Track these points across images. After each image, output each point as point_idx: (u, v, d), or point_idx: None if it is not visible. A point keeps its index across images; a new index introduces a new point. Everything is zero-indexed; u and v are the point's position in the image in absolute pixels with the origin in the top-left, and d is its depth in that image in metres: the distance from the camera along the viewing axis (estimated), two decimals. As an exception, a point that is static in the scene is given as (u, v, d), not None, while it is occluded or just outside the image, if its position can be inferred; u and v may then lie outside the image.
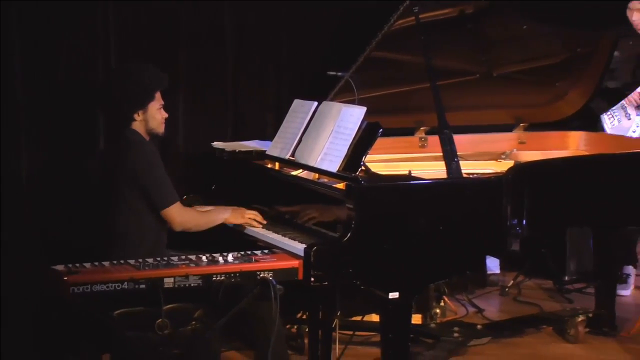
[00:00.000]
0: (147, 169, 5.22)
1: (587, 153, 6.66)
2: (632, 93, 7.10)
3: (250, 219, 5.40)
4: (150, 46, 6.86)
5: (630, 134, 7.08)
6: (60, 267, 4.64)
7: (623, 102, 7.14)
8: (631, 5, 7.04)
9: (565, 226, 6.69)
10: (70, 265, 4.67)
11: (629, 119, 7.14)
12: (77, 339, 5.29)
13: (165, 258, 4.84)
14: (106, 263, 4.77)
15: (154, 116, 5.35)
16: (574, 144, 6.79)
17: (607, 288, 6.55)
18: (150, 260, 4.79)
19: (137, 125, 5.32)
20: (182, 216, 5.29)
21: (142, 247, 5.09)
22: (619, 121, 7.15)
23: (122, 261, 4.79)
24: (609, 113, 7.15)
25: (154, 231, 5.29)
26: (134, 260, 4.78)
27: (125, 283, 4.60)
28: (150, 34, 6.94)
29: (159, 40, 6.95)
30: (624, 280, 7.17)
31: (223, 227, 5.45)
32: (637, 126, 7.12)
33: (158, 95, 5.36)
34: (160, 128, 5.39)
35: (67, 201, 6.24)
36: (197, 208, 5.61)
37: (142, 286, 4.63)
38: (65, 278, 4.54)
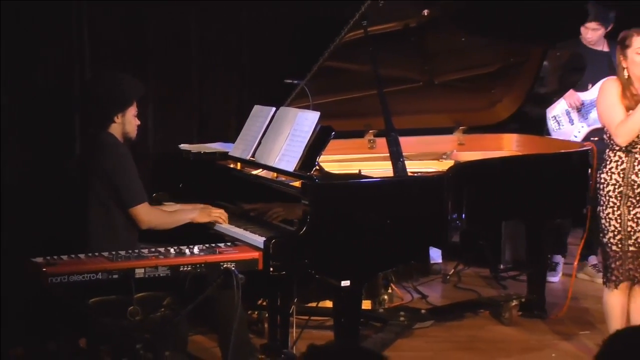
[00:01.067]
0: (119, 169, 5.19)
1: (519, 153, 6.69)
2: (574, 99, 7.15)
3: (216, 217, 5.40)
4: (121, 56, 6.86)
5: (572, 138, 7.13)
6: (39, 260, 4.63)
7: (567, 107, 7.19)
8: (588, 25, 7.11)
9: (500, 220, 6.75)
10: (48, 258, 4.65)
11: (572, 124, 7.19)
12: (56, 325, 5.26)
13: (137, 251, 4.83)
14: (82, 255, 4.75)
15: (131, 121, 5.34)
16: (507, 145, 6.83)
17: (538, 275, 6.58)
18: (122, 252, 4.77)
19: (114, 128, 5.29)
20: (148, 215, 5.26)
21: (115, 241, 5.06)
22: (561, 126, 7.19)
23: (96, 254, 4.78)
24: (554, 119, 7.19)
25: (126, 226, 5.26)
26: (107, 253, 4.76)
27: (100, 273, 4.59)
28: (121, 45, 6.93)
29: (129, 51, 6.95)
30: (553, 268, 7.21)
31: (189, 222, 5.44)
32: (579, 131, 7.17)
33: (135, 102, 5.37)
34: (133, 133, 5.37)
35: (45, 199, 6.20)
36: (165, 205, 5.59)
37: (115, 276, 4.62)
38: (44, 269, 4.53)
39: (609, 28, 7.23)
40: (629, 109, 5.14)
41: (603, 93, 5.33)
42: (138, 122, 5.39)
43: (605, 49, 7.20)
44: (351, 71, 6.01)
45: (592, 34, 7.19)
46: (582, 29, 7.19)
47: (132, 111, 5.33)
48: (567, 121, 7.20)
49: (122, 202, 5.20)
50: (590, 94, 7.13)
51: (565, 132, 7.17)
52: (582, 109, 7.18)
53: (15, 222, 6.05)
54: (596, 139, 6.81)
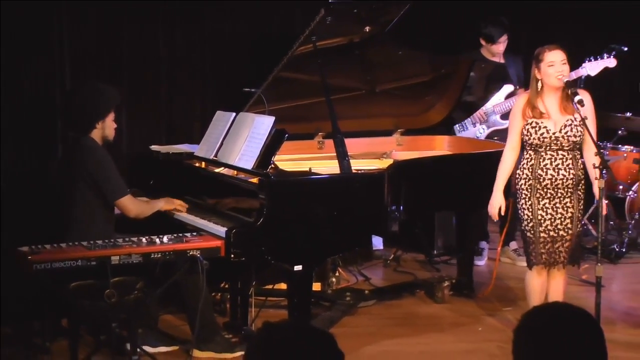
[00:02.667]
0: (101, 169, 5.18)
1: (449, 153, 6.72)
2: (478, 112, 7.19)
3: (177, 205, 5.42)
4: (98, 68, 6.84)
5: (477, 136, 7.17)
6: (25, 248, 4.59)
7: (472, 117, 7.23)
8: (501, 39, 7.14)
9: (433, 211, 6.74)
10: (33, 247, 4.62)
11: (474, 127, 7.23)
12: (40, 307, 5.22)
13: (112, 240, 4.81)
14: (63, 245, 4.73)
15: (110, 126, 5.33)
16: (439, 145, 6.85)
17: (466, 259, 6.61)
18: (99, 242, 4.76)
19: (95, 133, 5.28)
20: (133, 204, 5.28)
21: (93, 232, 5.02)
22: (466, 129, 7.22)
23: (76, 243, 4.75)
24: (459, 124, 7.23)
25: (103, 219, 5.24)
26: (86, 242, 4.74)
27: (79, 261, 4.57)
28: (98, 58, 6.91)
29: (106, 64, 6.93)
30: (479, 252, 7.23)
31: (160, 216, 5.42)
32: (480, 133, 7.20)
33: (113, 109, 5.35)
34: (112, 135, 5.37)
35: (31, 194, 6.15)
36: (139, 198, 5.57)
37: (93, 263, 4.60)
38: (29, 257, 4.50)
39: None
40: (534, 117, 5.19)
41: (513, 108, 5.44)
42: (115, 126, 5.39)
43: (502, 61, 7.25)
44: (302, 81, 6.00)
45: (504, 46, 7.22)
46: (494, 46, 7.18)
47: (111, 117, 5.33)
48: (470, 124, 7.24)
49: (107, 197, 5.19)
50: (489, 102, 7.18)
51: (468, 134, 7.19)
52: (483, 115, 7.21)
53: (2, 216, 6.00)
54: (496, 138, 6.87)
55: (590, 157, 5.19)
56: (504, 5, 8.07)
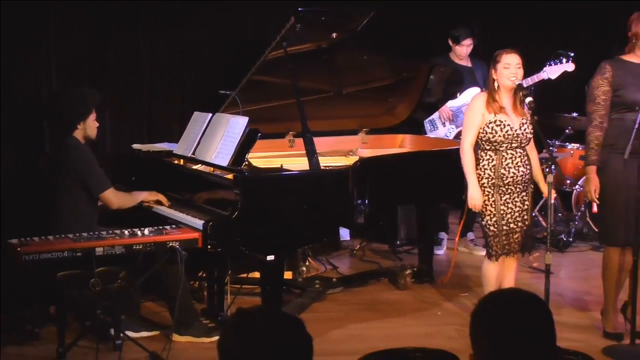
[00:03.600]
0: (85, 165, 5.18)
1: (411, 150, 6.73)
2: (445, 110, 7.21)
3: (160, 197, 5.41)
4: (83, 72, 6.81)
5: (446, 136, 7.19)
6: (14, 241, 4.58)
7: (439, 115, 7.25)
8: (464, 42, 7.16)
9: (396, 204, 6.77)
10: (22, 239, 4.60)
11: (444, 127, 7.26)
12: (30, 295, 5.19)
13: (97, 233, 4.79)
14: (51, 237, 4.71)
15: (91, 125, 5.33)
16: (402, 143, 6.86)
17: (426, 249, 6.63)
18: (85, 234, 4.74)
19: (77, 133, 5.28)
20: (116, 197, 5.28)
21: (78, 225, 5.00)
22: (436, 128, 7.25)
23: (63, 235, 4.73)
24: (429, 122, 7.25)
25: (88, 213, 5.23)
26: (72, 235, 4.72)
27: (66, 252, 4.56)
28: (83, 63, 6.88)
29: (90, 68, 6.91)
30: (439, 242, 7.26)
31: (142, 210, 5.40)
32: (450, 132, 7.23)
33: (94, 110, 5.32)
34: (94, 135, 5.37)
35: (19, 190, 6.10)
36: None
37: (79, 254, 4.58)
38: (19, 249, 4.48)
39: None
40: (495, 113, 5.20)
41: (469, 107, 5.39)
42: (97, 125, 5.38)
43: (469, 64, 7.28)
44: (274, 83, 5.99)
45: (467, 49, 7.24)
46: (458, 47, 7.22)
47: (92, 117, 5.32)
48: (440, 124, 7.26)
49: (91, 191, 5.19)
50: (458, 102, 7.21)
51: (438, 133, 7.22)
52: (452, 116, 7.24)
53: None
54: None
55: (534, 155, 5.23)
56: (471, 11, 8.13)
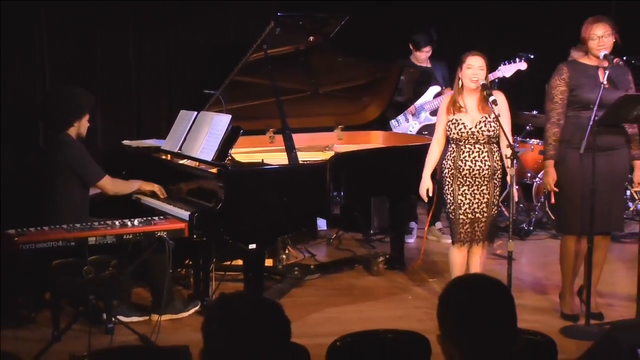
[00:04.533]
0: (79, 159, 5.18)
1: (383, 146, 6.74)
2: (411, 107, 7.24)
3: (156, 189, 5.42)
4: (75, 73, 6.79)
5: (408, 132, 7.21)
6: (11, 231, 4.55)
7: (404, 114, 7.26)
8: (424, 49, 7.20)
9: (369, 196, 6.78)
10: (19, 230, 4.58)
11: (407, 122, 7.27)
12: (26, 282, 5.17)
13: (89, 223, 4.78)
14: (46, 228, 4.68)
15: (84, 125, 5.33)
16: (374, 139, 6.87)
17: (398, 238, 6.64)
18: (78, 225, 4.72)
19: (71, 130, 5.27)
20: (112, 184, 5.31)
21: (72, 216, 4.98)
22: (400, 124, 7.26)
23: (57, 226, 4.71)
24: (394, 120, 7.27)
25: (81, 205, 5.22)
26: (66, 225, 4.70)
27: (60, 241, 4.54)
28: (75, 63, 6.85)
29: (81, 69, 6.88)
30: (409, 232, 7.27)
31: (132, 202, 5.39)
32: (413, 127, 7.25)
33: (89, 111, 5.32)
34: (84, 133, 5.37)
35: (16, 183, 6.07)
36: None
37: (72, 244, 4.57)
38: (16, 239, 4.47)
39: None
40: (455, 112, 5.24)
41: (441, 105, 5.47)
42: (89, 125, 5.38)
43: (429, 65, 7.31)
44: (255, 84, 5.98)
45: (427, 54, 7.27)
46: (418, 53, 7.25)
47: (86, 118, 5.33)
48: (404, 120, 7.28)
49: (88, 181, 5.20)
50: (420, 99, 7.23)
51: (402, 129, 7.24)
52: (414, 112, 7.27)
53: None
54: (425, 133, 6.91)
55: (503, 149, 5.25)
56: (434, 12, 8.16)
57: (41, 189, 5.27)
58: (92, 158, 5.27)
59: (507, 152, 5.12)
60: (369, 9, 7.79)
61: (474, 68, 5.20)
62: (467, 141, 5.24)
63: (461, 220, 5.29)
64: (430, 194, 5.42)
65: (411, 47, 7.28)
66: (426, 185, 5.40)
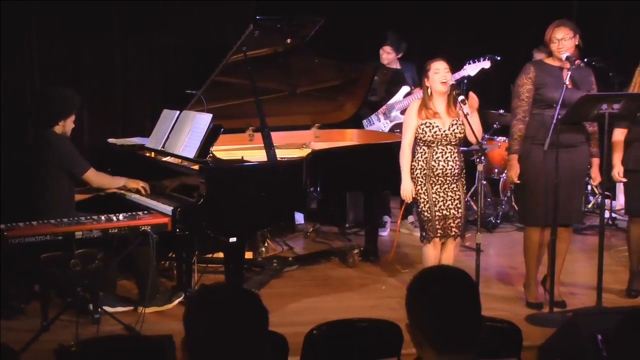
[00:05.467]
0: (65, 155, 5.17)
1: (357, 143, 6.76)
2: (383, 107, 7.25)
3: (141, 186, 5.39)
4: (63, 74, 6.76)
5: (382, 129, 7.23)
6: (1, 226, 4.52)
7: (376, 113, 7.28)
8: (384, 48, 7.21)
9: (345, 191, 6.81)
10: (8, 224, 4.55)
11: (379, 122, 7.28)
12: (16, 274, 5.15)
13: (76, 218, 4.77)
14: (35, 222, 4.67)
15: (70, 124, 5.29)
16: (349, 137, 6.87)
17: (372, 231, 6.65)
18: (65, 219, 4.71)
19: (57, 128, 5.25)
20: (96, 177, 5.30)
21: (59, 211, 4.97)
22: (372, 123, 7.28)
23: (45, 221, 4.69)
24: (367, 119, 7.28)
25: (68, 200, 5.20)
26: (54, 220, 4.68)
27: (48, 236, 4.53)
28: (63, 65, 6.83)
29: (69, 70, 6.86)
30: (382, 225, 7.28)
31: (117, 197, 5.38)
32: (385, 126, 7.25)
33: (75, 112, 5.31)
34: (69, 132, 5.33)
35: (4, 180, 6.05)
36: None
37: (60, 237, 4.55)
38: (5, 233, 4.45)
39: (400, 55, 7.33)
40: (427, 118, 5.24)
41: (407, 112, 5.45)
42: (74, 126, 5.36)
43: (398, 67, 7.32)
44: (235, 84, 5.98)
45: (387, 56, 7.28)
46: (380, 51, 7.28)
47: (72, 118, 5.30)
48: (376, 119, 7.29)
49: (74, 174, 5.18)
50: (392, 99, 7.24)
51: (374, 128, 7.25)
52: (385, 112, 7.28)
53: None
54: (397, 131, 6.93)
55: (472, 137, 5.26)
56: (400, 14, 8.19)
57: (30, 185, 5.25)
58: (78, 152, 5.25)
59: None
60: (339, 11, 7.78)
61: (441, 71, 5.21)
62: (440, 143, 5.25)
63: (437, 217, 5.29)
64: (414, 195, 5.34)
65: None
66: (409, 187, 5.29)
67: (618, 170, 5.48)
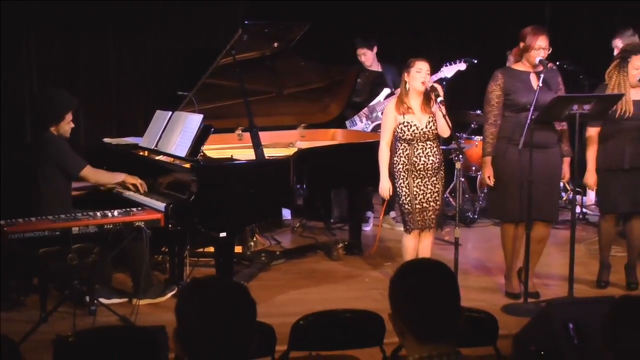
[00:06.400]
0: (61, 152, 5.14)
1: (341, 142, 6.76)
2: (365, 109, 7.25)
3: (139, 183, 5.36)
4: (60, 77, 6.74)
5: (364, 130, 7.23)
6: (1, 222, 4.52)
7: (359, 114, 7.28)
8: (358, 51, 7.22)
9: (330, 188, 6.81)
10: (8, 220, 4.55)
11: (361, 122, 7.28)
12: (15, 268, 5.13)
13: (73, 214, 4.75)
14: (33, 219, 4.65)
15: (66, 124, 5.25)
16: (333, 137, 6.88)
17: (356, 225, 6.66)
18: (62, 215, 4.69)
19: (54, 129, 5.22)
20: (93, 173, 5.27)
21: (57, 208, 4.95)
22: (355, 124, 7.27)
23: (43, 217, 4.67)
24: (349, 120, 7.27)
25: (65, 197, 5.19)
26: (52, 216, 4.66)
27: (46, 231, 4.52)
28: (60, 67, 6.81)
29: (66, 73, 6.84)
30: (366, 220, 7.29)
31: (112, 194, 5.37)
32: (367, 126, 7.25)
33: (70, 112, 5.27)
34: (67, 133, 5.29)
35: (4, 178, 6.03)
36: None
37: (58, 233, 4.54)
38: (5, 229, 4.44)
39: (375, 49, 7.30)
40: (404, 114, 5.26)
41: (384, 112, 5.47)
42: (72, 125, 5.31)
43: (379, 69, 7.32)
44: (225, 86, 5.98)
45: (364, 57, 7.27)
46: (357, 56, 7.28)
47: (68, 118, 5.26)
48: (358, 120, 7.29)
49: (71, 172, 5.14)
50: (373, 102, 7.23)
51: (357, 129, 7.24)
52: (368, 113, 7.28)
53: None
54: (380, 131, 6.92)
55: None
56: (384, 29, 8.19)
57: (29, 183, 5.23)
58: (74, 151, 5.22)
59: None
60: (324, 14, 7.77)
61: (423, 72, 5.23)
62: (419, 140, 5.27)
63: (417, 209, 5.32)
64: (392, 193, 5.39)
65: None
66: (387, 185, 5.34)
67: (593, 181, 5.48)
